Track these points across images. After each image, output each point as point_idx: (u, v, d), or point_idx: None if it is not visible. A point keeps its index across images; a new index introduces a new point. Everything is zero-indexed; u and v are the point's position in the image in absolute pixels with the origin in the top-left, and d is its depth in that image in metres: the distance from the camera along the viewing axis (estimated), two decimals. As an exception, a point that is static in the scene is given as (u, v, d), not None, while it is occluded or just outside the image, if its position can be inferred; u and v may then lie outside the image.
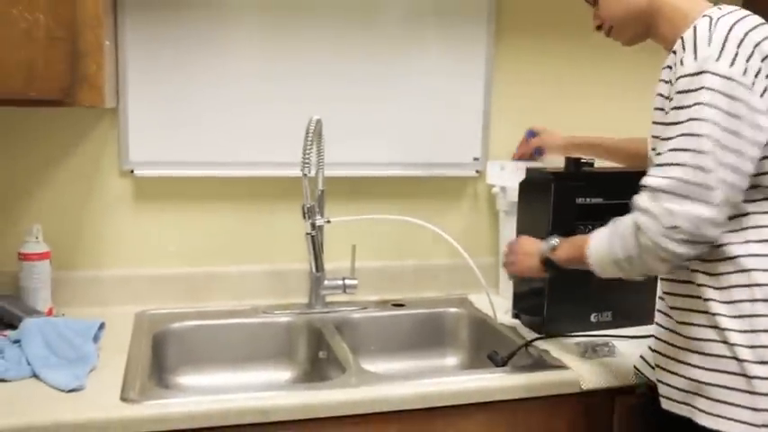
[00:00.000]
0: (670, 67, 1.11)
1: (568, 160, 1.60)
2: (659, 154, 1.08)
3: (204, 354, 1.60)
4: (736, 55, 1.04)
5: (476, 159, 1.87)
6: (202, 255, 1.74)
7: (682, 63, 1.07)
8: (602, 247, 1.16)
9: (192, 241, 1.73)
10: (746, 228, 1.10)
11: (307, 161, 1.52)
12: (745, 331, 1.07)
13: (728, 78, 1.03)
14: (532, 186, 1.62)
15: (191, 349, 1.59)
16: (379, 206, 1.81)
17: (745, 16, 1.10)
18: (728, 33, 1.05)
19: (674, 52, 1.10)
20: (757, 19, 1.11)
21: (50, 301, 1.56)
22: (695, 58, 1.05)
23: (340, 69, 1.74)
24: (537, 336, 1.55)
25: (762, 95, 1.04)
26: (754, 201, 1.09)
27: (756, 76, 1.04)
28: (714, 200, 1.04)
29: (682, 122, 1.05)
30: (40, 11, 1.27)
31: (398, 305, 1.78)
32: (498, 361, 1.46)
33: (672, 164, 1.06)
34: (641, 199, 1.09)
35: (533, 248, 1.35)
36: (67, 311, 1.59)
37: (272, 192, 1.76)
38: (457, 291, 1.88)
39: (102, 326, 1.40)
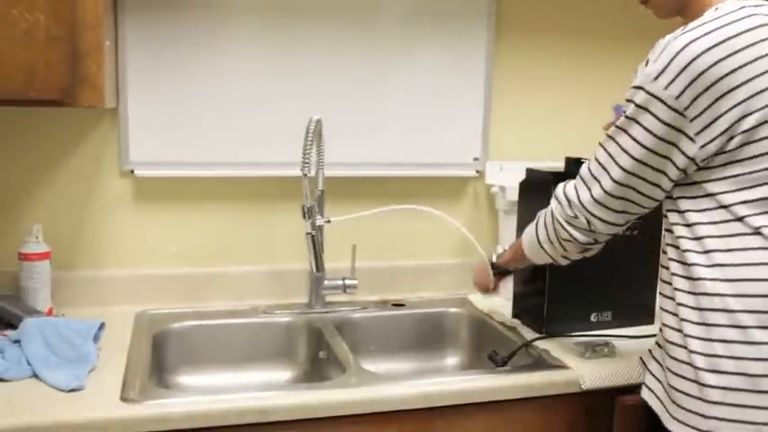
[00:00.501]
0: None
1: (568, 160, 1.60)
2: None
3: (204, 354, 1.60)
4: (677, 77, 1.04)
5: (475, 159, 1.87)
6: (202, 255, 1.74)
7: (636, 70, 1.12)
8: (531, 235, 1.33)
9: (192, 241, 1.73)
10: (702, 237, 1.09)
11: (306, 161, 1.52)
12: (703, 339, 1.07)
13: (657, 98, 1.06)
14: (532, 186, 1.62)
15: (191, 349, 1.59)
16: (378, 206, 1.81)
17: (723, 26, 1.04)
18: (676, 55, 1.04)
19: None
20: (743, 24, 1.04)
21: (50, 301, 1.56)
22: (643, 71, 1.09)
23: (340, 69, 1.74)
24: (537, 336, 1.55)
25: (696, 119, 1.05)
26: (706, 210, 1.09)
27: (695, 99, 1.04)
28: (604, 200, 1.16)
29: (616, 127, 1.14)
30: (40, 11, 1.27)
31: (398, 305, 1.78)
32: (498, 361, 1.46)
33: (595, 157, 1.18)
34: (559, 188, 1.24)
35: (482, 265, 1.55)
36: (68, 311, 1.59)
37: (272, 192, 1.76)
38: (457, 291, 1.88)
39: (102, 326, 1.40)
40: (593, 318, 1.61)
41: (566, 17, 1.91)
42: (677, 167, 1.09)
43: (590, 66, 1.94)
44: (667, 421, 1.13)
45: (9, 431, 1.09)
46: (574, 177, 1.28)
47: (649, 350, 1.33)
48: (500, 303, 1.72)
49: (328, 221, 1.67)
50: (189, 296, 1.72)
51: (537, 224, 1.32)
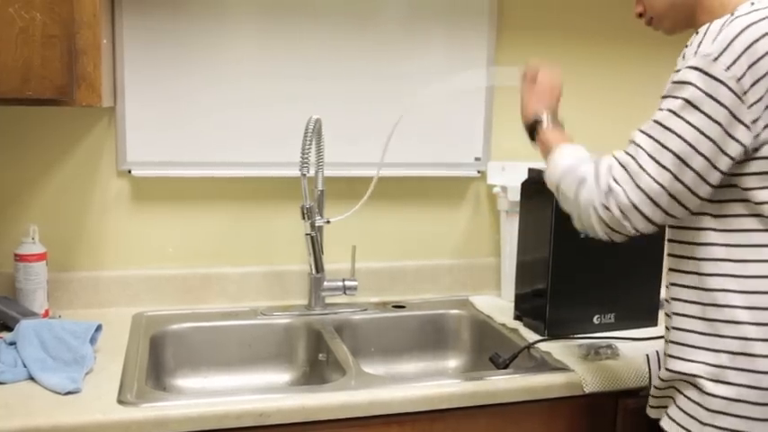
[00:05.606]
0: (683, 57, 1.09)
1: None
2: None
3: (202, 356, 1.58)
4: (738, 58, 0.99)
5: (477, 159, 1.86)
6: (201, 255, 1.73)
7: (684, 56, 1.06)
8: (556, 168, 1.18)
9: (190, 242, 1.72)
10: (716, 244, 1.07)
11: (305, 161, 1.51)
12: (708, 349, 1.07)
13: (719, 81, 1.00)
14: (535, 186, 1.60)
15: (189, 351, 1.58)
16: (379, 206, 1.80)
17: None
18: (738, 34, 0.99)
19: (689, 44, 1.08)
20: None
21: (47, 302, 1.55)
22: (696, 52, 1.03)
23: (340, 69, 1.73)
24: (539, 338, 1.54)
25: (753, 106, 1.00)
26: (726, 216, 1.06)
27: (755, 84, 0.99)
28: (652, 194, 1.04)
29: (662, 110, 1.05)
30: (37, 9, 1.26)
31: (399, 307, 1.77)
32: (500, 363, 1.45)
33: (636, 144, 1.07)
34: (604, 165, 1.09)
35: (538, 105, 1.31)
36: (64, 313, 1.58)
37: (271, 192, 1.75)
38: (458, 292, 1.87)
39: (98, 328, 1.39)
40: (595, 319, 1.60)
41: (567, 16, 1.90)
42: (730, 158, 1.02)
43: (591, 64, 1.93)
44: (664, 421, 1.13)
45: (4, 434, 1.08)
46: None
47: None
48: (502, 305, 1.71)
49: (328, 222, 1.66)
50: (187, 297, 1.70)
51: (567, 169, 1.15)
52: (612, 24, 1.92)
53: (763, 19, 1.01)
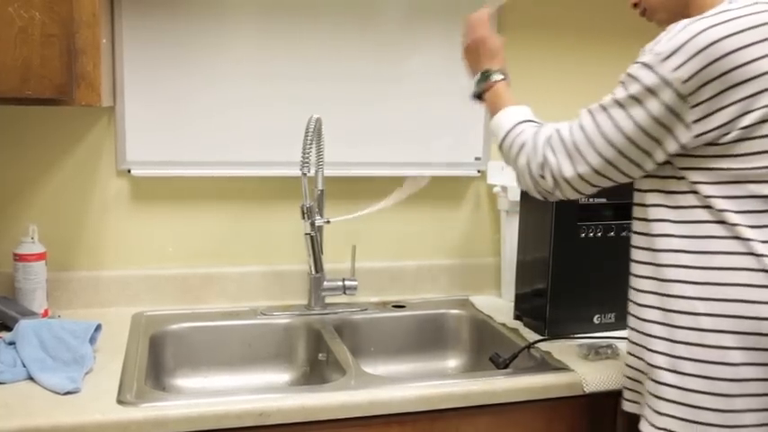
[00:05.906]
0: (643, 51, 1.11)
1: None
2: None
3: (202, 356, 1.58)
4: (689, 59, 1.00)
5: (477, 159, 1.86)
6: (200, 255, 1.72)
7: (644, 50, 1.08)
8: (500, 127, 1.25)
9: (189, 241, 1.72)
10: (670, 235, 1.09)
11: (306, 160, 1.51)
12: (666, 339, 1.09)
13: (664, 80, 1.02)
14: (534, 186, 1.60)
15: (188, 351, 1.57)
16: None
17: (741, 17, 1.01)
18: (695, 36, 1.01)
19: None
20: (761, 18, 1.02)
21: (46, 302, 1.55)
22: (652, 49, 1.05)
23: (340, 69, 1.73)
24: (539, 337, 1.54)
25: (696, 107, 1.02)
26: (679, 207, 1.08)
27: (702, 86, 1.01)
28: (584, 173, 1.11)
29: (611, 96, 1.10)
30: (36, 9, 1.26)
31: (399, 306, 1.76)
32: (500, 363, 1.45)
33: (580, 123, 1.12)
34: (543, 136, 1.16)
35: (472, 68, 1.36)
36: (64, 313, 1.58)
37: (270, 192, 1.75)
38: (458, 292, 1.87)
39: (98, 327, 1.38)
40: (595, 319, 1.59)
41: (568, 15, 1.89)
42: (666, 152, 1.07)
43: (592, 63, 1.93)
44: (642, 424, 1.15)
45: (3, 435, 1.07)
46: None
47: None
48: (502, 305, 1.71)
49: (327, 222, 1.65)
50: (187, 297, 1.70)
51: (511, 130, 1.22)
52: (614, 23, 1.91)
53: (727, 21, 1.01)
